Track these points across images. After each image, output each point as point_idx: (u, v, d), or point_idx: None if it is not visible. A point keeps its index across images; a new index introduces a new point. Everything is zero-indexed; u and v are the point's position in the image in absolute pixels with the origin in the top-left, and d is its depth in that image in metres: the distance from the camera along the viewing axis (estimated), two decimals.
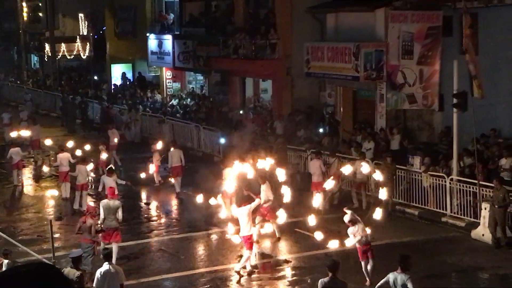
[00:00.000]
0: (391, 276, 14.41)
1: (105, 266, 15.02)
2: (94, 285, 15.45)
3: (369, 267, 17.36)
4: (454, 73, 22.63)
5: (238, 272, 18.46)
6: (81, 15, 54.51)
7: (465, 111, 22.48)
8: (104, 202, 19.48)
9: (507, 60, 25.51)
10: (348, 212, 17.50)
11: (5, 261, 16.33)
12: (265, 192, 20.34)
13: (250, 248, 18.45)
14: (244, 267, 18.56)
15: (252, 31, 35.15)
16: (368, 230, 17.44)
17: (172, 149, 27.37)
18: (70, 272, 14.79)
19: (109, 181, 22.64)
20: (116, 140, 31.72)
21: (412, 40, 27.49)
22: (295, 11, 33.46)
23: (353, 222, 17.27)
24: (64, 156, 26.30)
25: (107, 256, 15.46)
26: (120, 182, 24.20)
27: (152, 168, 28.08)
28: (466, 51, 21.87)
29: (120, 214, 19.60)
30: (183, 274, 18.97)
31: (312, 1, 32.23)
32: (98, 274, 15.05)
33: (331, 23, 31.21)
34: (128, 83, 48.25)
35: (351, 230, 17.26)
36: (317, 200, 19.78)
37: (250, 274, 18.55)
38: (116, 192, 20.70)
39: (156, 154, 28.38)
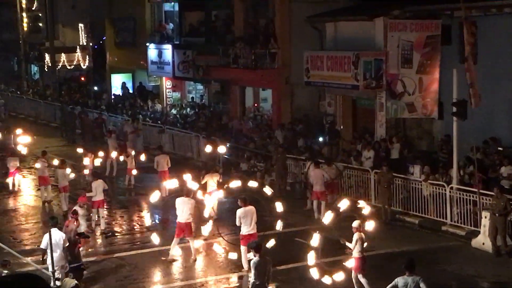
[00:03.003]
0: (400, 280, 14.35)
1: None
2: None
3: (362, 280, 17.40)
4: (453, 81, 22.65)
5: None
6: (81, 25, 54.58)
7: (464, 120, 22.47)
8: None
9: (506, 69, 25.52)
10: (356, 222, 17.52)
11: (4, 272, 16.29)
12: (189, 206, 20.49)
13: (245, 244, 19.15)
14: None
15: (251, 40, 35.17)
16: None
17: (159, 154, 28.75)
18: (68, 282, 14.81)
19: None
20: (115, 149, 32.17)
21: (411, 49, 27.52)
22: (294, 21, 33.52)
23: (357, 229, 17.33)
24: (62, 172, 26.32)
25: None
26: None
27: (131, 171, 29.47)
28: (467, 59, 21.87)
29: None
30: (185, 284, 19.00)
31: (312, 11, 32.28)
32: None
33: (331, 32, 31.26)
34: (128, 93, 48.27)
35: (356, 236, 17.30)
36: (328, 217, 19.38)
37: None
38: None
39: (129, 158, 29.83)
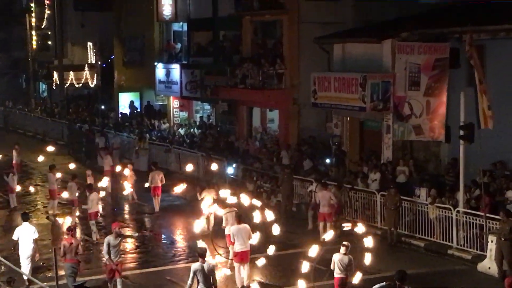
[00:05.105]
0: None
1: None
2: None
3: None
4: (461, 104, 22.63)
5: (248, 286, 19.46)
6: (89, 43, 54.80)
7: (471, 143, 22.43)
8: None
9: None
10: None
11: None
12: None
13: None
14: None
15: (259, 61, 35.24)
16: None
17: (153, 170, 29.49)
18: None
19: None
20: (109, 165, 32.72)
21: (419, 71, 27.48)
22: (302, 42, 33.60)
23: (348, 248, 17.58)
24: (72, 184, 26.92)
25: None
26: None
27: (128, 186, 29.67)
28: (482, 81, 21.75)
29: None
30: None
31: (319, 32, 32.33)
32: None
33: (338, 54, 31.27)
34: (135, 111, 48.38)
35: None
36: (329, 234, 19.59)
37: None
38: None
39: (131, 174, 30.24)
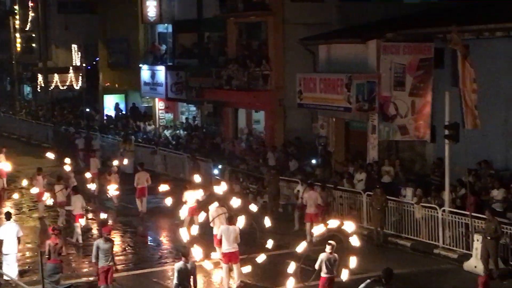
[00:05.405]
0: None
1: None
2: None
3: None
4: (446, 104, 22.70)
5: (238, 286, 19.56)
6: (74, 46, 54.68)
7: (457, 143, 22.51)
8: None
9: (498, 92, 25.62)
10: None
11: None
12: None
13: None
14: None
15: (244, 62, 35.25)
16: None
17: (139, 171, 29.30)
18: None
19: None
20: (96, 168, 32.53)
21: (404, 71, 27.59)
22: (287, 43, 33.65)
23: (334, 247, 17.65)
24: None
25: None
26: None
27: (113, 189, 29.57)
28: (475, 80, 21.78)
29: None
30: None
31: (305, 33, 32.38)
32: None
33: (323, 55, 31.34)
34: (120, 113, 48.28)
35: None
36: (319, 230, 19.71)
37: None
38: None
39: (113, 176, 30.07)
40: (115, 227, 26.55)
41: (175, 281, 16.56)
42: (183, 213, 22.60)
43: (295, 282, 17.77)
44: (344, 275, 17.76)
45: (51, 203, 27.04)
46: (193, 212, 23.59)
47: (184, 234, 20.08)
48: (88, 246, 24.16)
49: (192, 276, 16.53)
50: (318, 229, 18.44)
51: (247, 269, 19.87)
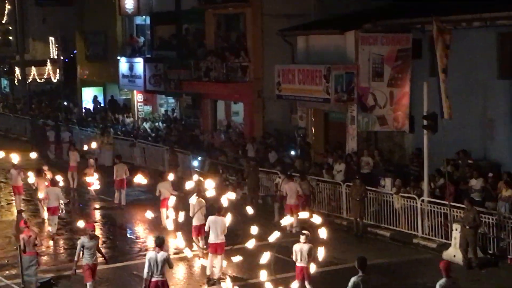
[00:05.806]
0: (354, 280, 14.57)
1: None
2: None
3: None
4: (424, 95, 22.77)
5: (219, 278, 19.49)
6: (51, 38, 54.26)
7: (435, 133, 22.59)
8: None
9: (476, 82, 25.72)
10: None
11: None
12: None
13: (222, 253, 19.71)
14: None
15: (223, 54, 35.18)
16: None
17: (117, 163, 29.52)
18: None
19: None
20: (75, 161, 32.31)
21: (382, 62, 27.64)
22: (266, 34, 33.60)
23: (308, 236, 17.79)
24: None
25: None
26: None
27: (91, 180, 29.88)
28: (445, 70, 21.88)
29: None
30: None
31: (283, 24, 32.35)
32: None
33: (302, 46, 31.34)
34: (99, 106, 48.05)
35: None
36: (288, 220, 19.99)
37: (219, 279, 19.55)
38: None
39: (90, 168, 30.37)
40: (94, 220, 26.48)
41: (145, 269, 16.63)
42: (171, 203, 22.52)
43: (267, 274, 17.77)
44: (313, 267, 17.87)
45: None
46: (166, 205, 23.71)
47: (169, 224, 20.27)
48: (67, 239, 24.23)
49: (163, 267, 16.52)
50: (287, 220, 18.59)
51: (237, 258, 19.83)
